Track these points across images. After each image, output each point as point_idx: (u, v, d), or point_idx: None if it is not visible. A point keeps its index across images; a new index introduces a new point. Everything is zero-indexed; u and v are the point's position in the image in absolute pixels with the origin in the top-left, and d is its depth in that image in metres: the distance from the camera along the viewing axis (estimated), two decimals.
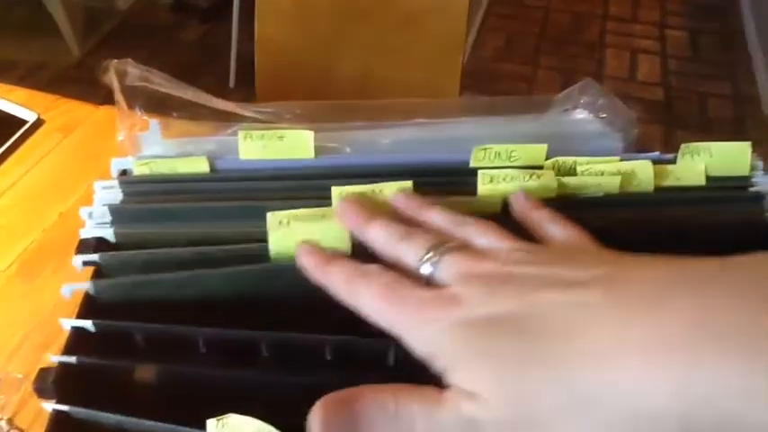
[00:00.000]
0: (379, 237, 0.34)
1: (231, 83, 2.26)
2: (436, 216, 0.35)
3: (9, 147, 0.85)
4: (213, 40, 2.54)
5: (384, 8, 1.20)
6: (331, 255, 0.35)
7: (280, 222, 0.38)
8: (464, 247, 0.31)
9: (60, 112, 0.92)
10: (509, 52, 2.49)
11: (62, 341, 0.62)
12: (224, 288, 0.39)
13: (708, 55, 2.46)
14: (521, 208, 0.37)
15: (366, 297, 0.31)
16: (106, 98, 0.93)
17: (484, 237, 0.32)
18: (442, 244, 0.31)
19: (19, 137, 0.86)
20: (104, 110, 0.93)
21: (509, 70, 2.40)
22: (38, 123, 0.89)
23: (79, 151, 0.86)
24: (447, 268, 0.30)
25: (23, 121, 0.88)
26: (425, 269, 0.31)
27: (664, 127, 2.15)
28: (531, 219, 0.36)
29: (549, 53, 2.47)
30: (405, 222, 0.35)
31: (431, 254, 0.31)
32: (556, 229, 0.34)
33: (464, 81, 1.21)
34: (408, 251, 0.32)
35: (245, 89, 2.17)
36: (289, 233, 0.38)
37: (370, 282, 0.31)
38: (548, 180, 0.40)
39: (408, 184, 0.40)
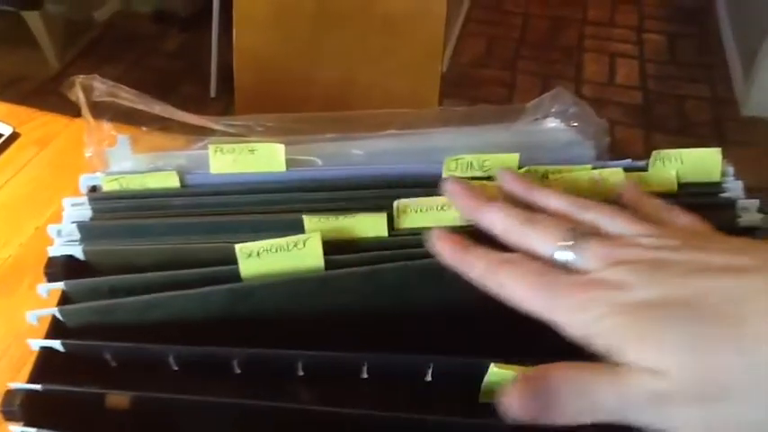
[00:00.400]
0: (500, 222, 0.34)
1: (212, 92, 2.25)
2: (555, 200, 0.35)
3: None
4: (193, 49, 2.53)
5: (363, 15, 1.20)
6: (466, 240, 0.35)
7: (249, 255, 0.38)
8: (598, 233, 0.32)
9: (36, 125, 0.91)
10: (489, 58, 2.49)
11: None
12: (194, 309, 0.39)
13: (685, 58, 2.48)
14: (634, 196, 0.38)
15: (513, 285, 0.32)
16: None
17: (612, 222, 0.33)
18: (575, 230, 0.32)
19: None
20: (80, 122, 0.90)
21: (489, 76, 2.40)
22: (14, 137, 0.88)
23: (55, 164, 0.85)
24: (587, 254, 0.31)
25: None
26: (561, 255, 0.32)
27: (643, 130, 2.16)
28: (646, 205, 0.37)
29: (528, 58, 2.48)
30: (521, 206, 0.35)
31: (566, 240, 0.32)
32: (675, 215, 0.35)
33: (445, 87, 1.21)
34: (538, 237, 0.33)
35: (227, 98, 2.17)
36: (259, 263, 0.38)
37: (515, 269, 0.32)
38: None
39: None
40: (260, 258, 0.38)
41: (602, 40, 2.57)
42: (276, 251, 0.38)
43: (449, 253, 0.35)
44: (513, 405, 0.29)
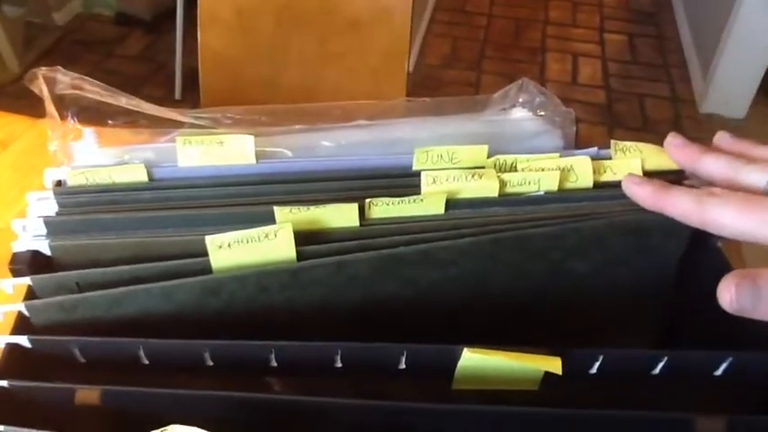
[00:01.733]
0: (719, 164, 0.38)
1: (177, 94, 2.22)
2: (760, 149, 0.38)
3: None
4: (157, 51, 2.50)
5: (327, 16, 1.19)
6: (665, 183, 0.38)
7: (220, 246, 0.38)
8: None
9: None
10: (454, 58, 2.51)
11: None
12: (163, 302, 0.38)
13: (645, 58, 2.53)
14: (730, 143, 0.40)
15: (722, 211, 0.34)
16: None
17: None
18: None
19: None
20: (44, 123, 0.89)
21: (455, 76, 2.42)
22: None
23: (18, 165, 0.84)
24: None
25: None
26: None
27: (606, 128, 2.20)
28: (748, 149, 0.39)
29: (493, 58, 2.51)
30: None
31: None
32: None
33: (411, 88, 1.21)
34: (752, 174, 0.36)
35: (192, 100, 2.14)
36: (230, 254, 0.38)
37: (723, 198, 0.35)
38: (490, 179, 0.41)
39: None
40: (231, 250, 0.37)
41: (565, 41, 2.61)
42: (247, 242, 0.37)
43: (649, 195, 0.38)
44: (727, 296, 0.32)
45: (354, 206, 0.39)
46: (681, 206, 0.36)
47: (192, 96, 2.11)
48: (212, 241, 0.37)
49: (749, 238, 0.34)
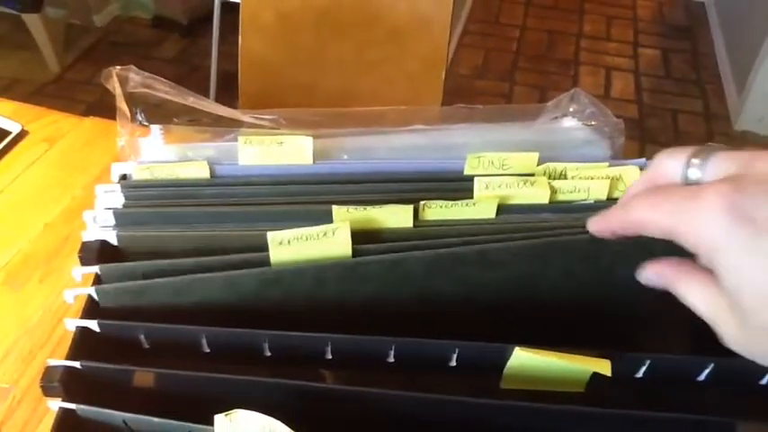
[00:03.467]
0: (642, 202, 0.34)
1: (212, 97, 2.26)
2: None
3: None
4: (193, 55, 2.54)
5: (367, 24, 1.21)
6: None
7: (280, 243, 0.39)
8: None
9: (44, 123, 0.92)
10: (486, 69, 2.52)
11: (50, 350, 0.62)
12: (224, 292, 0.40)
13: (679, 73, 2.51)
14: None
15: (638, 208, 0.33)
16: (84, 113, 0.94)
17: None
18: (703, 149, 0.32)
19: (3, 148, 0.86)
20: (89, 122, 0.92)
21: (486, 87, 2.43)
22: (22, 134, 0.88)
23: (63, 162, 0.86)
24: (714, 163, 0.31)
25: (7, 132, 0.88)
26: (693, 174, 0.32)
27: (638, 143, 2.19)
28: None
29: (525, 70, 2.51)
30: None
31: (695, 158, 0.32)
32: None
33: (443, 98, 1.23)
34: (670, 163, 0.33)
35: (226, 103, 2.17)
36: (289, 250, 0.39)
37: (640, 196, 0.33)
38: (541, 187, 0.42)
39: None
40: (290, 246, 0.39)
41: (598, 54, 2.60)
42: (306, 239, 0.39)
43: (601, 224, 0.36)
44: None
45: (409, 208, 0.40)
46: (614, 220, 0.35)
47: (226, 99, 2.14)
48: (273, 238, 0.39)
49: (672, 236, 0.31)
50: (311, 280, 0.40)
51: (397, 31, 1.20)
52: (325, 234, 0.39)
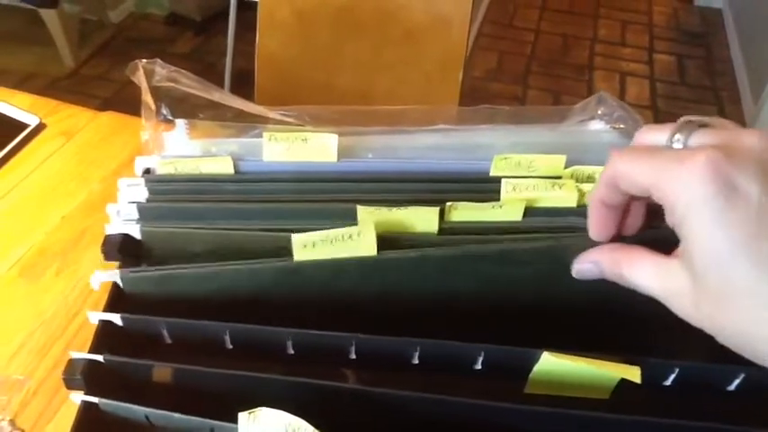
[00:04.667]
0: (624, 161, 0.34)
1: None
2: None
3: (10, 150, 0.85)
4: (206, 52, 2.55)
5: (384, 24, 1.21)
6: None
7: (305, 246, 0.39)
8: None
9: (62, 116, 0.92)
10: (500, 72, 2.51)
11: (65, 342, 0.62)
12: (246, 282, 0.40)
13: (694, 79, 2.50)
14: None
15: (621, 161, 0.32)
16: (99, 108, 0.94)
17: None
18: (690, 122, 0.32)
19: (20, 141, 0.86)
20: (106, 116, 0.93)
21: (500, 90, 2.42)
22: (39, 127, 0.89)
23: (80, 156, 0.86)
24: (699, 136, 0.31)
25: (25, 125, 0.88)
26: (677, 144, 0.32)
27: None
28: None
29: (539, 74, 2.50)
30: None
31: (681, 132, 0.32)
32: None
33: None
34: (653, 137, 0.33)
35: None
36: (314, 253, 0.39)
37: (624, 151, 0.32)
38: (569, 191, 0.41)
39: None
40: (314, 249, 0.38)
41: (613, 59, 2.59)
42: (331, 242, 0.38)
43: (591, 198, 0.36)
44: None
45: (435, 210, 0.40)
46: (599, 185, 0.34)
47: (239, 97, 2.14)
48: (297, 240, 0.38)
49: (649, 193, 0.31)
50: (331, 273, 0.39)
51: (414, 32, 1.20)
52: (350, 236, 0.38)
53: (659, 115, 2.31)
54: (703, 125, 0.32)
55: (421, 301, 0.41)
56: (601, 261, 0.35)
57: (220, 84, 2.25)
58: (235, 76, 2.20)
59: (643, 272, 0.33)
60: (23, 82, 2.32)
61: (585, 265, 0.36)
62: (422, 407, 0.36)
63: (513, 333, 0.38)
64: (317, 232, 0.38)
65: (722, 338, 0.30)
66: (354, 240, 0.38)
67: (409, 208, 0.40)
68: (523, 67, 2.53)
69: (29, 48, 2.45)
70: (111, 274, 0.39)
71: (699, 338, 0.34)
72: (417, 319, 0.41)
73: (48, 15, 2.32)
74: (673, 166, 0.29)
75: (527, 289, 0.41)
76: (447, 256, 0.39)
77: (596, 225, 0.36)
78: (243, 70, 1.93)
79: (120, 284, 0.39)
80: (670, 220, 0.31)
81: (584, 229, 0.37)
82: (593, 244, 0.36)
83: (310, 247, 0.39)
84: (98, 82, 2.38)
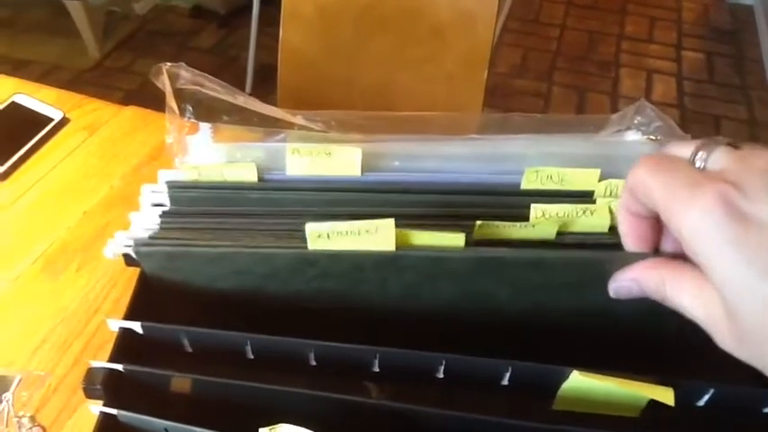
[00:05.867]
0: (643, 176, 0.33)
1: (248, 89, 2.26)
2: None
3: (34, 144, 0.85)
4: (230, 46, 2.55)
5: (408, 21, 1.20)
6: None
7: (319, 236, 0.38)
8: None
9: (85, 111, 0.92)
10: (524, 68, 2.49)
11: (85, 339, 0.63)
12: (258, 266, 0.39)
13: (723, 78, 2.46)
14: None
15: (638, 173, 0.32)
16: (122, 101, 0.94)
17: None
18: (711, 140, 0.32)
19: (44, 135, 0.86)
20: (129, 110, 0.93)
21: (524, 86, 2.40)
22: (63, 122, 0.89)
23: (103, 151, 0.86)
24: (718, 155, 0.31)
25: (49, 119, 0.88)
26: (698, 162, 0.31)
27: None
28: None
29: (564, 70, 2.47)
30: None
31: (702, 150, 0.31)
32: None
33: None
34: (682, 152, 0.32)
35: (262, 95, 2.16)
36: (327, 244, 0.38)
37: (641, 162, 0.32)
38: (601, 218, 0.40)
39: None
40: (329, 240, 0.38)
41: (640, 56, 2.55)
42: (347, 234, 0.37)
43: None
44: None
45: (461, 236, 0.38)
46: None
47: (262, 92, 2.14)
48: (312, 230, 0.37)
49: (659, 211, 0.30)
50: (348, 267, 0.39)
51: (438, 28, 1.18)
52: (367, 231, 0.37)
53: (686, 114, 2.27)
54: (729, 143, 0.31)
55: (440, 307, 0.40)
56: (641, 279, 0.33)
57: (243, 77, 2.26)
58: (257, 70, 2.20)
59: (683, 294, 0.31)
60: (48, 73, 2.34)
61: (624, 284, 0.35)
62: (446, 423, 0.35)
63: (540, 345, 0.37)
64: (332, 223, 0.37)
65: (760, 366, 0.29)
66: (371, 235, 0.37)
67: (433, 233, 0.38)
68: (548, 64, 2.50)
69: (54, 39, 2.47)
70: (125, 245, 0.38)
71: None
72: (437, 326, 0.40)
73: (73, 7, 2.34)
74: (685, 192, 0.29)
75: (556, 299, 0.40)
76: (468, 258, 0.38)
77: (626, 233, 0.35)
78: (265, 65, 1.93)
79: (134, 255, 0.39)
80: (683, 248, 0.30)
81: (620, 246, 0.36)
82: (632, 260, 0.35)
83: (325, 237, 0.38)
84: (121, 74, 2.39)
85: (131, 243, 0.39)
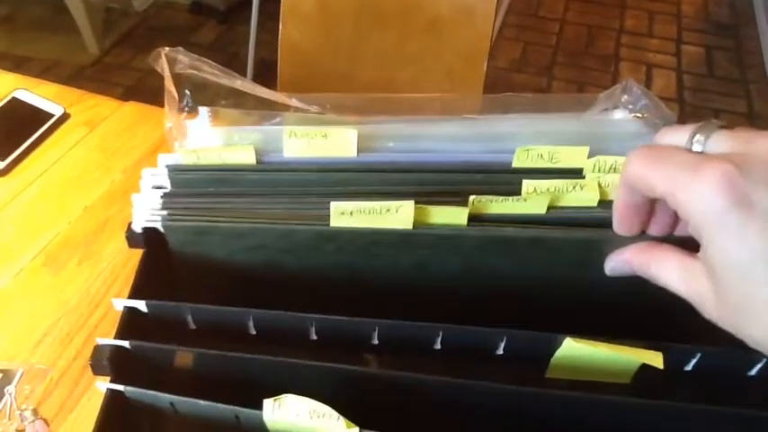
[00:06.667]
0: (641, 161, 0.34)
1: None
2: None
3: (35, 140, 0.86)
4: (229, 42, 2.56)
5: (407, 15, 1.20)
6: None
7: (342, 213, 0.39)
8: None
9: (86, 106, 0.93)
10: (524, 63, 2.49)
11: (87, 333, 0.63)
12: (279, 241, 0.41)
13: (723, 72, 2.46)
14: None
15: (633, 163, 0.32)
16: (122, 97, 0.95)
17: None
18: (708, 123, 0.32)
19: (45, 130, 0.87)
20: (129, 106, 0.93)
21: (524, 81, 2.40)
22: (64, 117, 0.90)
23: (104, 146, 0.87)
24: (716, 139, 0.31)
25: (50, 115, 0.89)
26: (697, 146, 0.32)
27: None
28: None
29: (564, 65, 2.48)
30: None
31: (700, 133, 0.32)
32: None
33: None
34: (673, 138, 0.33)
35: None
36: (350, 221, 0.40)
37: (636, 151, 0.33)
38: (591, 191, 0.41)
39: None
40: (351, 217, 0.39)
41: (639, 50, 2.55)
42: (369, 213, 0.39)
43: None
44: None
45: (465, 210, 0.40)
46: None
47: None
48: (336, 207, 0.39)
49: (665, 199, 0.31)
50: (365, 243, 0.40)
51: (438, 22, 1.19)
52: (388, 210, 0.39)
53: (686, 108, 2.28)
54: (723, 126, 0.32)
55: (446, 284, 0.41)
56: (631, 260, 0.36)
57: (243, 73, 2.25)
58: (257, 65, 2.20)
59: (670, 272, 0.33)
60: (48, 70, 2.35)
61: (618, 264, 0.37)
62: (443, 391, 0.36)
63: (538, 318, 0.38)
64: (356, 202, 0.39)
65: (750, 344, 0.30)
66: (392, 214, 0.39)
67: (436, 207, 0.40)
68: (548, 58, 2.51)
69: (54, 36, 2.48)
70: (153, 220, 0.40)
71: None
72: (441, 302, 0.41)
73: (73, 3, 2.34)
74: (686, 176, 0.29)
75: (555, 275, 0.42)
76: (482, 236, 0.39)
77: (620, 223, 0.37)
78: (266, 60, 1.94)
79: (162, 230, 0.41)
80: (687, 227, 0.31)
81: (610, 224, 0.38)
82: (627, 242, 0.37)
83: (348, 215, 0.39)
84: (121, 70, 2.40)
85: (159, 218, 0.40)
